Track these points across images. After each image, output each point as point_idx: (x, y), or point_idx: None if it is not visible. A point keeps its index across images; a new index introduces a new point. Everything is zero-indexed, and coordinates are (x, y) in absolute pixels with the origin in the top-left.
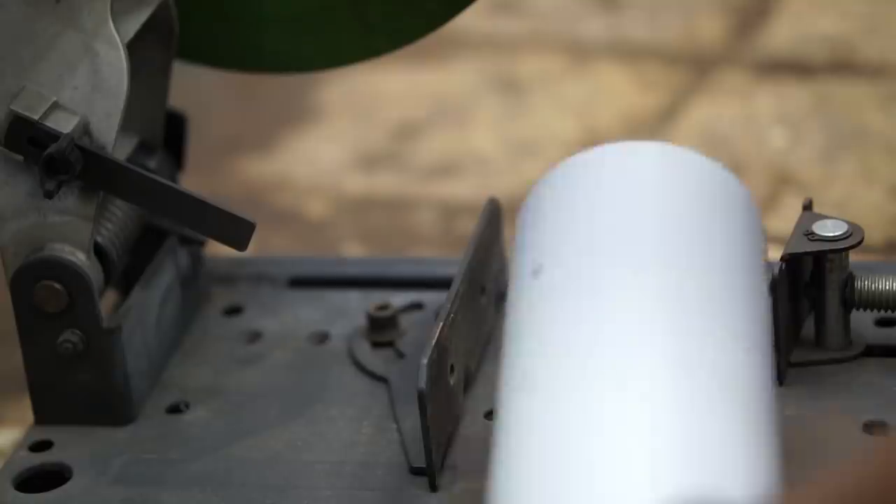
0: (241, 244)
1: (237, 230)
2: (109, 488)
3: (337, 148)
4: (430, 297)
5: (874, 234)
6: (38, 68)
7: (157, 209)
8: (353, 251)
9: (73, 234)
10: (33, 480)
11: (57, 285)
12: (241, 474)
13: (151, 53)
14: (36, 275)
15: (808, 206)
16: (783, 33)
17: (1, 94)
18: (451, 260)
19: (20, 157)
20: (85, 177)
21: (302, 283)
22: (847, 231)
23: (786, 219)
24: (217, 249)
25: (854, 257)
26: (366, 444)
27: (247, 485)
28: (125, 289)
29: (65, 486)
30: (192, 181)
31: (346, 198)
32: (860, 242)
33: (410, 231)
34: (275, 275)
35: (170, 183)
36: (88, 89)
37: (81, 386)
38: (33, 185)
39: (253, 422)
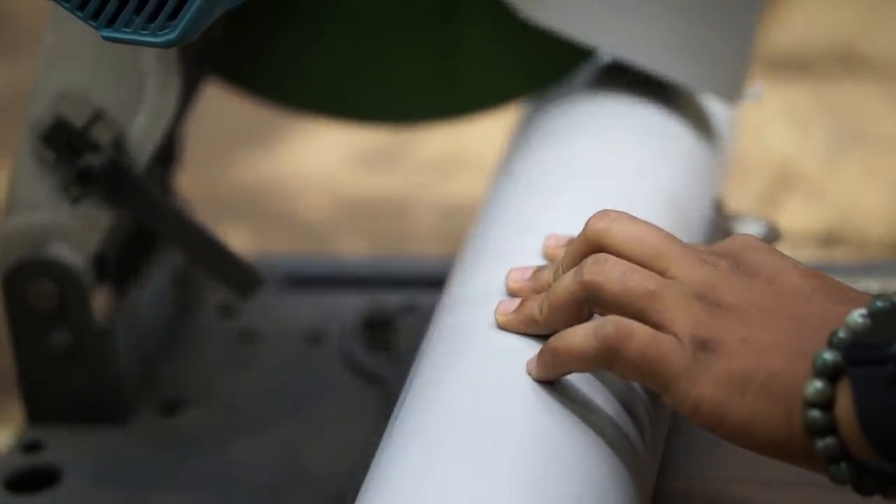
0: (246, 295)
1: (246, 281)
2: (101, 489)
3: (336, 147)
4: (426, 297)
5: (877, 232)
6: (92, 72)
7: (174, 240)
8: (352, 251)
9: (81, 239)
10: (24, 481)
11: (51, 285)
12: (234, 475)
13: (196, 78)
14: (31, 274)
15: (718, 206)
16: (787, 31)
17: (49, 89)
18: (448, 259)
19: (51, 153)
20: (110, 191)
21: (297, 283)
22: (765, 231)
23: (788, 217)
24: None
25: (856, 256)
26: (360, 444)
27: (240, 485)
28: (118, 285)
29: (56, 487)
30: (191, 180)
31: (344, 197)
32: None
33: (409, 231)
34: (269, 275)
35: (191, 218)
36: (136, 105)
37: (74, 386)
38: (56, 184)
39: (247, 422)
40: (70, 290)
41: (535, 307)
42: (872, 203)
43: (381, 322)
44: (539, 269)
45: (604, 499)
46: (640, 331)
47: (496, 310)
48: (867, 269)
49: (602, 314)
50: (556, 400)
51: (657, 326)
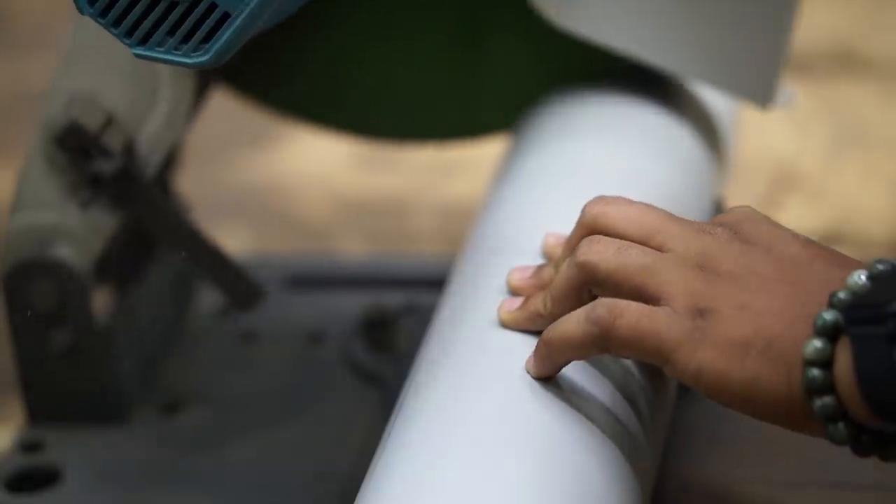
0: (245, 307)
1: (246, 293)
2: (101, 489)
3: (335, 147)
4: (426, 297)
5: (877, 232)
6: (107, 77)
7: (179, 248)
8: (352, 251)
9: (85, 242)
10: (24, 481)
11: (53, 286)
12: (234, 475)
13: (207, 85)
14: (33, 274)
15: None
16: None
17: (65, 91)
18: (448, 260)
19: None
20: (119, 197)
21: (297, 283)
22: None
23: (789, 217)
24: None
25: (856, 256)
26: (360, 445)
27: (240, 486)
28: (118, 285)
29: (56, 487)
30: (191, 180)
31: (344, 197)
32: None
33: (409, 231)
34: (269, 275)
35: (194, 227)
36: (148, 111)
37: (74, 386)
38: (65, 186)
39: (246, 423)
40: (72, 291)
41: (538, 302)
42: (872, 203)
43: (381, 322)
44: (540, 267)
45: (605, 497)
46: (631, 308)
47: (500, 308)
48: None
49: (603, 296)
50: (557, 397)
51: (655, 299)
